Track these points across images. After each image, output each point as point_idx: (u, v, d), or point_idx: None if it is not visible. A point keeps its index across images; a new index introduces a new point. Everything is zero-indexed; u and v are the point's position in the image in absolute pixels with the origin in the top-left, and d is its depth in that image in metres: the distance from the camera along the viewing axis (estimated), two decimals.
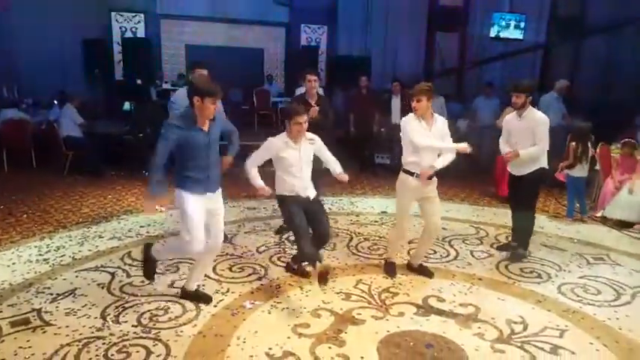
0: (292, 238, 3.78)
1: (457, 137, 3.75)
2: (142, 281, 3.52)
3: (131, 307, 3.16)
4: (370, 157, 7.54)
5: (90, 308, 3.12)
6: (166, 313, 3.08)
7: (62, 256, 3.96)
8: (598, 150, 5.60)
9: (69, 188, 6.02)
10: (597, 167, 5.61)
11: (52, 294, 3.31)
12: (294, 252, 3.75)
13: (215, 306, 3.19)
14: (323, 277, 3.08)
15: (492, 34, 10.63)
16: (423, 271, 3.77)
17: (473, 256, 4.21)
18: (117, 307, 3.14)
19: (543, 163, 3.96)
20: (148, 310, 3.11)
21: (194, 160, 2.89)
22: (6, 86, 8.73)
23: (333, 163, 3.49)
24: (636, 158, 5.34)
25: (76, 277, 3.59)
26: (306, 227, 3.27)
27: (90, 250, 4.09)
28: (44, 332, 2.85)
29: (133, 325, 2.93)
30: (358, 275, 3.74)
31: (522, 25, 10.66)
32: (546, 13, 10.98)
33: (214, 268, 3.73)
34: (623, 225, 5.08)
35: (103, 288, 3.42)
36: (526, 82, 4.07)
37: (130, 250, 4.09)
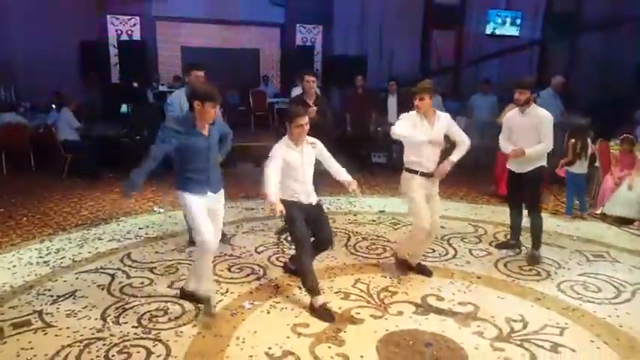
0: (290, 238, 3.79)
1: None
2: (142, 282, 3.54)
3: (131, 308, 3.17)
4: (367, 156, 7.56)
5: (90, 309, 3.14)
6: (166, 314, 3.10)
7: (62, 258, 3.97)
8: (597, 146, 5.61)
9: (68, 191, 6.03)
10: (597, 164, 5.61)
11: (52, 296, 3.32)
12: (293, 252, 3.76)
13: (214, 306, 3.20)
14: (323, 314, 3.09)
15: (488, 31, 10.66)
16: (422, 270, 3.78)
17: (472, 254, 4.22)
18: (117, 308, 3.16)
19: (543, 161, 3.95)
20: (148, 311, 3.12)
21: (194, 164, 2.89)
22: (3, 88, 8.72)
23: (338, 171, 3.35)
24: (635, 154, 5.34)
25: (76, 278, 3.60)
26: (307, 238, 3.23)
27: (89, 252, 4.10)
28: (45, 333, 2.86)
29: (133, 326, 2.95)
30: (356, 275, 3.75)
31: (518, 21, 10.70)
32: (542, 9, 11.01)
33: (213, 269, 3.73)
34: (622, 222, 5.08)
35: (103, 289, 3.43)
36: (530, 79, 4.04)
37: (129, 252, 4.11)
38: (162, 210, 5.34)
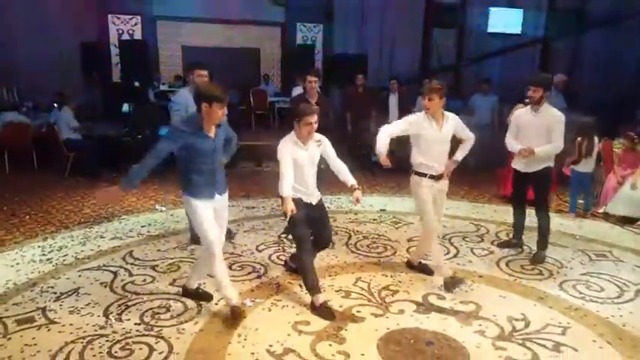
0: (291, 236, 3.79)
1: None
2: (144, 280, 3.56)
3: (133, 305, 3.19)
4: (367, 155, 7.56)
5: (93, 307, 3.15)
6: (168, 311, 3.11)
7: (65, 255, 3.99)
8: (601, 145, 5.59)
9: (70, 189, 6.05)
10: (600, 163, 5.60)
11: (55, 293, 3.34)
12: (293, 250, 3.76)
13: (216, 304, 3.22)
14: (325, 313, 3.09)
15: (490, 29, 10.62)
16: (424, 269, 3.78)
17: (473, 253, 4.22)
18: (119, 306, 3.17)
19: (551, 161, 3.91)
20: (150, 308, 3.14)
21: (200, 165, 2.86)
22: (6, 88, 8.74)
23: (342, 170, 3.30)
24: (638, 153, 5.32)
25: (79, 276, 3.62)
26: (308, 237, 3.22)
27: (92, 250, 4.11)
28: (49, 330, 2.88)
29: (135, 323, 2.96)
30: (357, 273, 3.75)
31: (520, 19, 10.66)
32: (545, 6, 10.96)
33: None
34: (625, 221, 5.07)
35: (105, 287, 3.45)
36: (544, 75, 3.94)
37: (131, 250, 4.12)
38: (163, 208, 5.36)
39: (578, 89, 8.78)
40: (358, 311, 3.17)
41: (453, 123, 3.50)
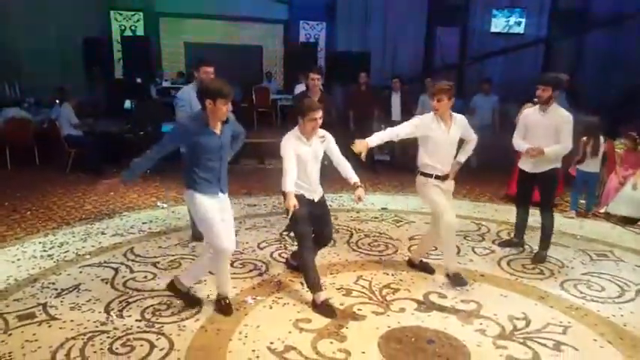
0: (292, 234, 3.79)
1: None
2: (145, 277, 3.56)
3: (134, 301, 3.19)
4: (370, 153, 7.54)
5: (94, 303, 3.15)
6: (169, 308, 3.11)
7: (66, 252, 3.99)
8: (606, 145, 5.57)
9: (71, 186, 6.05)
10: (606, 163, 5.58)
11: (56, 289, 3.34)
12: (295, 248, 3.76)
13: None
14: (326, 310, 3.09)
15: (493, 28, 10.61)
16: (424, 268, 3.78)
17: (474, 252, 4.22)
18: (120, 302, 3.17)
19: (558, 162, 3.87)
20: (151, 305, 3.14)
21: (205, 162, 2.85)
22: (8, 83, 8.75)
23: (346, 167, 3.27)
24: None
25: (80, 272, 3.62)
26: (309, 234, 3.21)
27: (93, 246, 4.11)
28: (50, 326, 2.88)
29: (136, 320, 2.96)
30: (359, 271, 3.75)
31: (523, 19, 10.65)
32: (547, 6, 10.95)
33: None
34: (627, 221, 5.07)
35: (106, 283, 3.45)
36: (553, 74, 3.86)
37: (132, 246, 4.12)
38: (165, 205, 5.36)
39: (580, 89, 8.76)
40: (359, 309, 3.16)
41: (460, 124, 3.46)
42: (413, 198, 5.68)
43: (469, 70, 11.03)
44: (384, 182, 6.53)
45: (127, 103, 8.74)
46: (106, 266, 3.73)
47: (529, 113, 3.96)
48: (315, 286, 3.16)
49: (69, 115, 6.73)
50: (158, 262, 3.82)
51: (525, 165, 3.98)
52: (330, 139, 3.24)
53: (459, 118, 3.48)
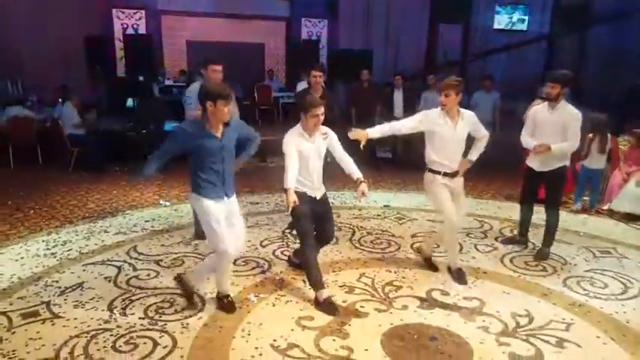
0: (295, 231, 3.79)
1: None
2: (148, 275, 3.57)
3: (138, 299, 3.20)
4: (372, 151, 7.54)
5: (97, 301, 3.17)
6: (172, 306, 3.12)
7: (69, 250, 4.00)
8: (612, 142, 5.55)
9: (74, 184, 6.06)
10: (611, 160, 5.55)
11: (60, 287, 3.35)
12: (297, 246, 3.76)
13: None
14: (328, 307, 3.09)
15: (496, 25, 10.57)
16: (430, 265, 3.77)
17: (477, 249, 4.21)
18: (124, 300, 3.18)
19: (567, 160, 3.83)
20: (154, 303, 3.15)
21: (209, 165, 2.84)
22: (10, 81, 8.77)
23: (348, 163, 3.25)
24: None
25: (83, 270, 3.64)
26: (311, 232, 3.21)
27: (96, 245, 4.13)
28: (53, 324, 2.89)
29: (139, 317, 2.97)
30: (361, 269, 3.75)
31: (526, 16, 10.61)
32: (550, 3, 10.91)
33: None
34: (630, 218, 5.04)
35: (109, 281, 3.46)
36: (563, 72, 3.83)
37: (135, 245, 4.13)
38: (167, 203, 5.37)
39: (583, 86, 8.72)
40: (362, 307, 3.17)
41: (468, 121, 3.41)
42: (415, 195, 5.68)
43: (472, 67, 10.99)
44: (387, 180, 6.52)
45: (130, 102, 8.75)
46: (109, 264, 3.74)
47: (537, 110, 3.91)
48: (317, 283, 3.16)
49: (71, 114, 6.74)
50: (161, 260, 3.83)
51: (533, 162, 3.93)
52: (332, 136, 3.23)
53: (467, 115, 3.43)
